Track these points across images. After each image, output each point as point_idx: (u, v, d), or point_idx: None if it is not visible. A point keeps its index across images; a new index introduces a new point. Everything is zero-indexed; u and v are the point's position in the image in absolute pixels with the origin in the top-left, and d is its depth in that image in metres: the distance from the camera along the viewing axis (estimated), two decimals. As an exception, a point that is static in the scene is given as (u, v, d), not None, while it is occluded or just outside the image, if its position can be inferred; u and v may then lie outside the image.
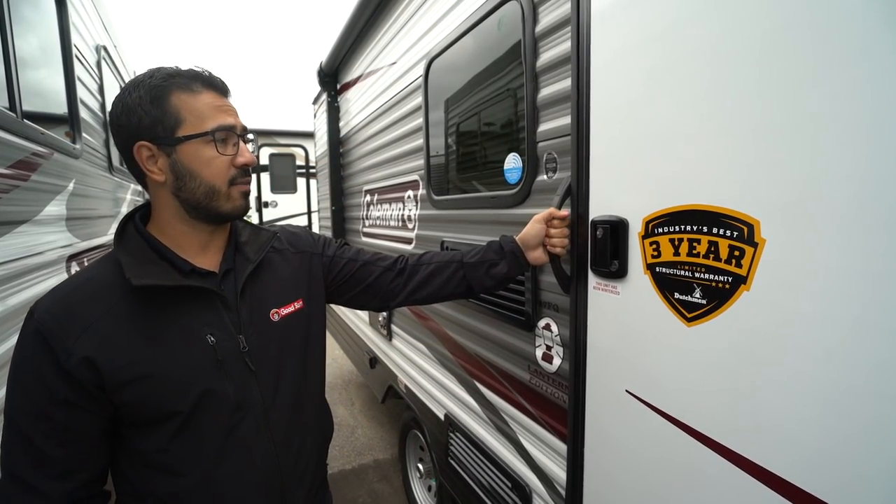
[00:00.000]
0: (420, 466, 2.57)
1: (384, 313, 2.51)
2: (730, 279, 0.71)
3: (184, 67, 0.77)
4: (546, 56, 1.15)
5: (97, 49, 2.35)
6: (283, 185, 7.64)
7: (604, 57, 0.93)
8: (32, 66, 1.40)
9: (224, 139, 0.77)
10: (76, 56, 1.87)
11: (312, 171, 7.26)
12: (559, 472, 1.20)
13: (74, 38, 1.81)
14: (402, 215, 2.21)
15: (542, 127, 1.18)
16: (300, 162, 7.69)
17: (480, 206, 1.50)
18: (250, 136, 0.83)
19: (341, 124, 3.36)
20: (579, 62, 0.98)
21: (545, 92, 1.16)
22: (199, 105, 0.76)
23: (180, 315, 0.76)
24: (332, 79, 3.36)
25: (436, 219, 1.85)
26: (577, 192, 1.01)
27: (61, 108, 1.72)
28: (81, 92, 1.93)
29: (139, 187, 3.73)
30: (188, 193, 0.77)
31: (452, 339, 1.76)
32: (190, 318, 0.77)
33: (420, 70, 1.87)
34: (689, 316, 0.78)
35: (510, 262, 1.06)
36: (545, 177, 1.19)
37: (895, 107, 0.52)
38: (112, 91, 2.67)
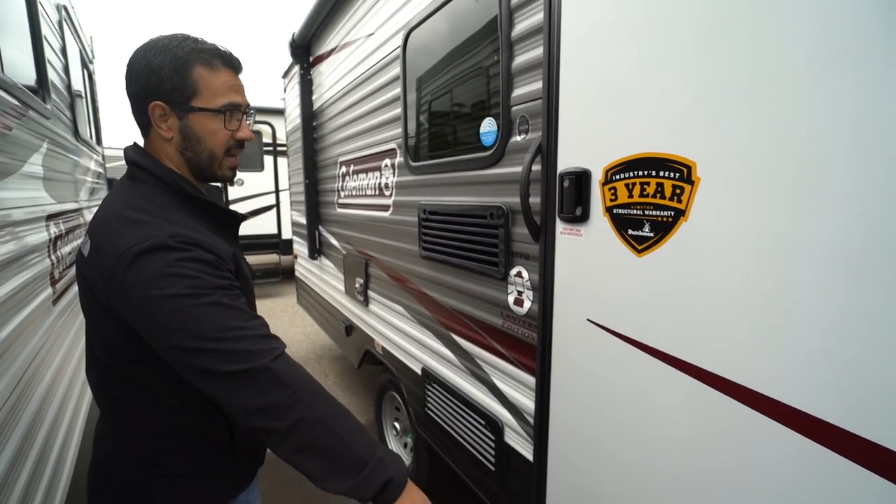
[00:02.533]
0: (396, 425, 2.71)
1: (361, 279, 2.59)
2: (672, 213, 0.85)
3: (206, 41, 0.87)
4: (520, 26, 1.26)
5: (58, 8, 2.27)
6: (249, 163, 7.46)
7: (573, 28, 1.05)
8: (2, 21, 1.39)
9: (231, 115, 0.88)
10: (41, 13, 1.82)
11: (280, 148, 7.14)
12: (528, 403, 1.35)
13: (39, -4, 1.77)
14: (379, 184, 2.29)
15: (516, 92, 1.30)
16: (266, 139, 7.54)
17: (457, 168, 1.60)
18: (252, 111, 0.93)
19: (314, 97, 3.36)
20: (551, 32, 1.09)
21: (519, 60, 1.28)
22: (216, 83, 0.86)
23: (225, 234, 0.94)
24: (305, 51, 3.34)
25: (413, 184, 1.94)
26: (547, 150, 1.13)
27: (30, 66, 1.69)
28: (48, 51, 1.88)
29: (100, 159, 3.60)
30: (193, 154, 0.89)
31: (429, 296, 1.87)
32: (229, 238, 0.95)
33: (398, 41, 1.94)
34: (639, 248, 0.92)
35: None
36: (518, 138, 1.31)
37: (799, 69, 0.67)
38: (72, 52, 2.58)
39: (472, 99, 1.56)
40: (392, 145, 2.13)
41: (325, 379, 4.15)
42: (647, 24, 0.88)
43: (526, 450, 1.40)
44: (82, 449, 1.77)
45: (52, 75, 1.91)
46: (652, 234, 0.89)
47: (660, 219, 0.87)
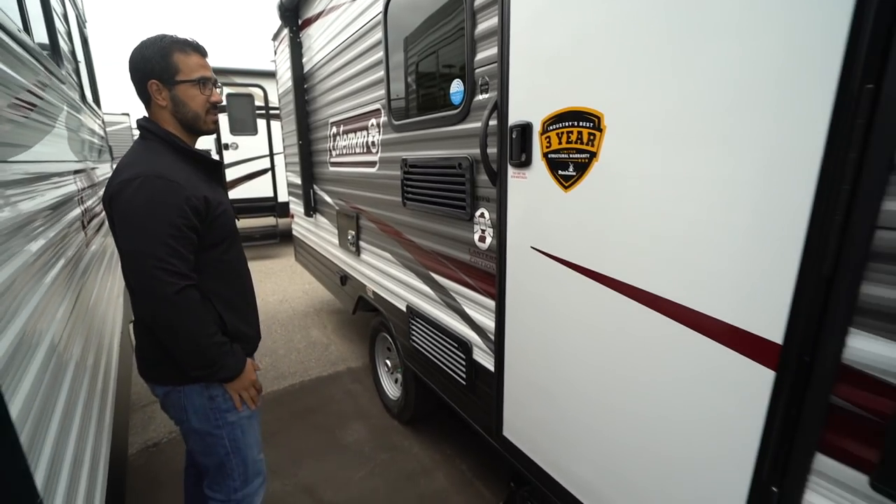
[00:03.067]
0: (388, 362, 3.02)
1: (353, 232, 2.84)
2: (588, 155, 1.08)
3: (180, 36, 1.24)
4: (481, -3, 1.45)
5: (60, -25, 2.39)
6: (243, 127, 7.54)
7: (520, 3, 1.24)
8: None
9: (204, 84, 1.25)
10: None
11: (273, 111, 7.20)
12: (490, 323, 1.63)
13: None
14: (367, 142, 2.49)
15: (479, 56, 1.50)
16: (259, 102, 7.58)
17: (433, 125, 1.82)
18: (219, 83, 1.31)
19: (304, 60, 3.49)
20: (503, 3, 1.28)
21: (481, 27, 1.47)
22: (191, 63, 1.23)
23: (213, 181, 1.33)
24: (294, 14, 3.44)
25: (396, 141, 2.15)
26: (501, 106, 1.35)
27: (43, 32, 1.86)
28: (55, 19, 2.04)
29: (101, 122, 3.76)
30: (182, 116, 1.26)
31: (412, 241, 2.13)
32: (215, 184, 1.34)
33: (379, 7, 2.09)
34: (566, 185, 1.16)
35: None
36: (481, 97, 1.52)
37: (681, 39, 0.88)
38: (71, 17, 2.71)
39: (445, 62, 1.76)
40: (377, 106, 2.32)
41: (324, 329, 4.47)
42: (571, 5, 1.08)
43: (489, 363, 1.68)
44: (121, 360, 2.05)
45: (60, 41, 2.07)
46: (574, 173, 1.13)
47: (579, 160, 1.11)
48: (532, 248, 1.32)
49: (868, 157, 0.64)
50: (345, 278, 3.23)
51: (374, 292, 2.71)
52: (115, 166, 1.17)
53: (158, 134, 1.23)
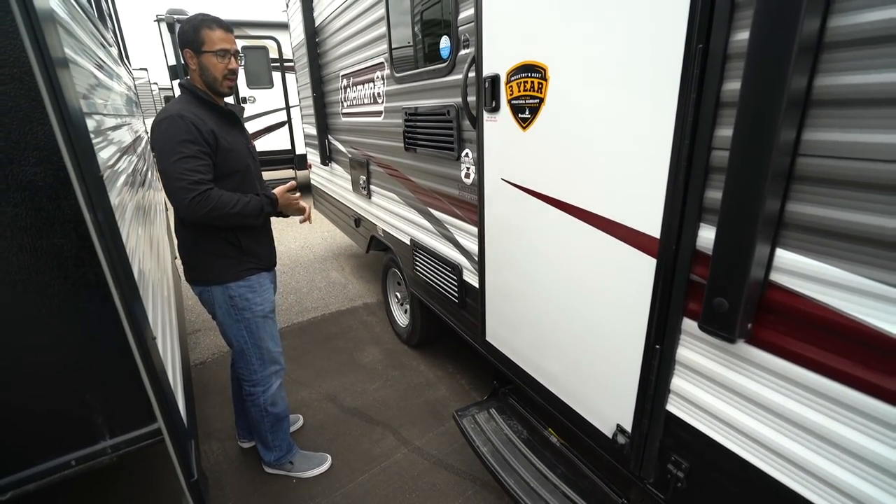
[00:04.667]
0: (398, 294, 3.41)
1: (364, 177, 3.15)
2: (538, 101, 1.35)
3: (211, 15, 1.58)
4: (461, -39, 1.66)
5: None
6: (259, 80, 7.71)
7: (489, -35, 1.46)
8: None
9: (223, 55, 1.59)
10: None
11: (287, 64, 7.33)
12: (475, 247, 1.95)
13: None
14: (374, 93, 2.74)
15: (461, 15, 1.73)
16: (273, 55, 7.70)
17: (427, 77, 2.06)
18: (241, 55, 1.65)
19: (315, 14, 3.67)
20: (476, -32, 1.50)
21: (462, -12, 1.69)
22: (214, 37, 1.57)
23: (232, 128, 1.70)
24: (303, -33, 3.58)
25: (398, 92, 2.40)
26: (478, 60, 1.60)
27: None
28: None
29: (132, 80, 4.06)
30: (206, 78, 1.62)
31: (413, 182, 2.43)
32: (234, 131, 1.71)
33: (380, -35, 2.29)
34: (523, 125, 1.43)
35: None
36: (464, 52, 1.76)
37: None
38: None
39: (436, 20, 1.98)
40: (381, 59, 2.55)
41: (343, 271, 4.89)
42: (527, -32, 1.31)
43: (475, 281, 2.02)
44: (177, 302, 2.48)
45: (103, 4, 2.35)
46: (529, 116, 1.40)
47: (532, 105, 1.37)
48: (502, 179, 1.61)
49: (703, 98, 0.91)
50: (358, 221, 3.58)
51: (384, 231, 3.05)
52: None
53: (189, 88, 1.63)
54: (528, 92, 1.37)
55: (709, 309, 0.94)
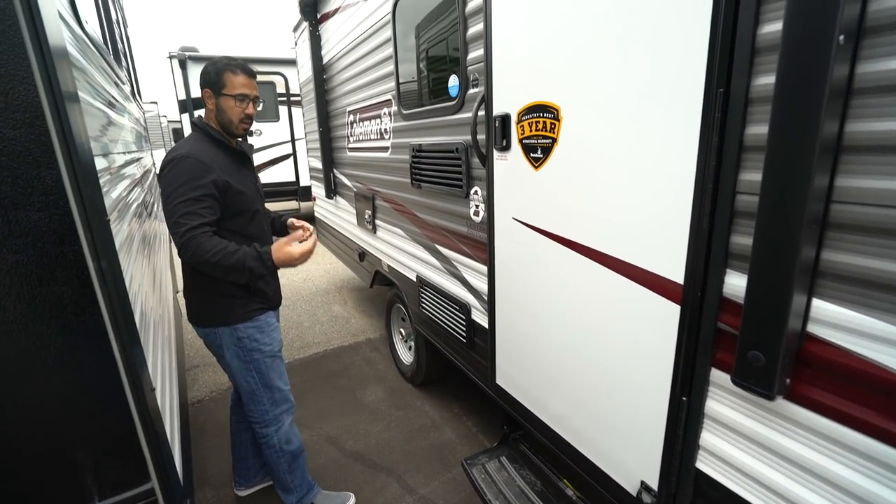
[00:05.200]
0: (402, 331, 3.34)
1: (369, 211, 3.14)
2: (550, 141, 1.34)
3: (237, 59, 1.59)
4: (470, 5, 1.69)
5: (111, -14, 2.71)
6: (265, 113, 7.89)
7: (499, 10, 1.48)
8: (101, 10, 1.86)
9: (242, 99, 1.59)
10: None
11: (294, 98, 7.51)
12: (484, 286, 1.90)
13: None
14: (380, 129, 2.76)
15: (470, 56, 1.75)
16: (280, 90, 7.91)
17: (435, 115, 2.08)
18: (260, 100, 1.64)
19: (324, 52, 3.76)
20: (487, 12, 1.53)
21: (471, 31, 1.71)
22: (235, 81, 1.58)
23: (242, 167, 1.68)
24: (313, 9, 3.69)
25: (405, 129, 2.42)
26: (487, 99, 1.60)
27: (107, 37, 2.18)
28: (115, 27, 2.35)
29: (143, 115, 4.14)
30: (221, 119, 1.61)
31: (420, 218, 2.41)
32: (244, 171, 1.69)
33: (388, 8, 2.34)
34: (536, 165, 1.42)
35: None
36: (473, 91, 1.77)
37: (617, 45, 1.12)
38: (120, 20, 3.03)
39: (444, 59, 2.00)
40: (388, 96, 2.58)
41: (345, 305, 4.83)
42: (539, 10, 1.32)
43: (484, 321, 1.96)
44: (177, 336, 2.42)
45: (119, 44, 2.40)
46: (541, 156, 1.38)
47: (544, 145, 1.36)
48: (513, 218, 1.58)
49: (726, 142, 0.89)
50: (363, 255, 3.55)
51: (388, 266, 3.01)
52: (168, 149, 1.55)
53: (201, 127, 1.63)
54: (540, 132, 1.36)
55: (743, 362, 0.89)
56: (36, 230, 0.87)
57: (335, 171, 3.96)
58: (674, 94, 0.98)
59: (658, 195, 1.05)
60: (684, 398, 1.09)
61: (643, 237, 1.11)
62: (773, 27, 0.83)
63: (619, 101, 1.10)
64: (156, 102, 15.01)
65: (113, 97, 1.58)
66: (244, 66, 1.60)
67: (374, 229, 3.15)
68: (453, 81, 1.89)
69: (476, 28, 1.67)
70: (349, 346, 3.92)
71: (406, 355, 3.33)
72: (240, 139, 1.70)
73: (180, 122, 7.98)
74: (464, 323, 2.12)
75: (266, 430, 1.81)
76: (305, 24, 3.84)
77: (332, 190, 4.05)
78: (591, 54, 1.16)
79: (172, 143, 15.45)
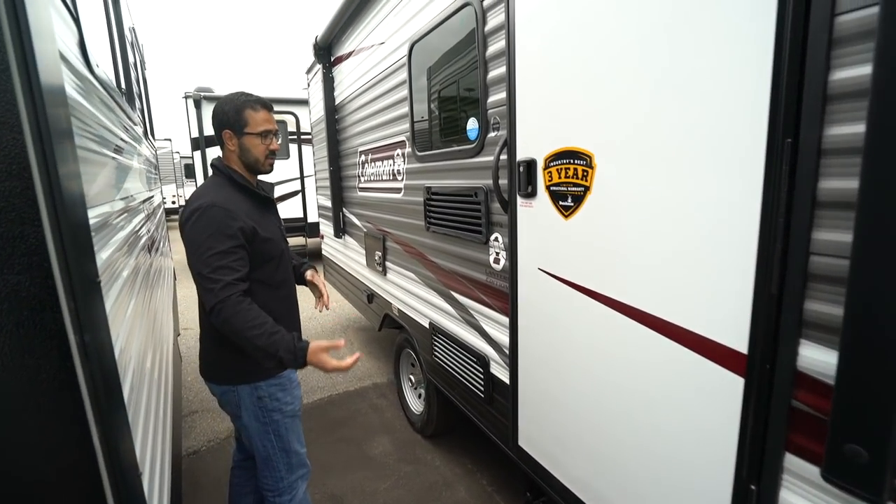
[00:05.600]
0: (412, 378, 3.17)
1: (379, 253, 3.04)
2: (583, 189, 1.24)
3: (253, 95, 1.51)
4: (492, 48, 1.64)
5: (131, 30, 2.74)
6: (277, 152, 7.98)
7: (523, 53, 1.43)
8: (117, 52, 1.84)
9: (265, 136, 1.51)
10: (127, 37, 2.29)
11: (304, 137, 7.61)
12: (505, 339, 1.77)
13: (124, 22, 2.22)
14: (393, 170, 2.71)
15: (491, 99, 1.69)
16: (291, 128, 8.04)
17: (452, 157, 2.01)
18: (278, 133, 1.55)
19: (336, 93, 3.78)
20: (510, 55, 1.47)
21: (492, 74, 1.66)
22: (258, 118, 1.49)
23: (267, 212, 1.57)
24: (327, 52, 3.74)
25: (420, 171, 2.35)
26: (510, 144, 1.52)
27: (121, 78, 2.16)
28: (131, 69, 2.35)
29: (155, 153, 4.14)
30: (246, 159, 1.53)
31: (434, 262, 2.30)
32: (269, 215, 1.58)
33: (404, 51, 2.33)
34: (566, 214, 1.32)
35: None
36: (493, 134, 1.70)
37: (658, 83, 1.04)
38: (138, 65, 3.07)
39: (462, 102, 1.95)
40: (402, 138, 2.54)
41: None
42: (569, 50, 1.26)
43: (505, 376, 1.82)
44: (174, 385, 2.28)
45: (133, 87, 2.39)
46: (572, 204, 1.28)
47: (576, 193, 1.26)
48: (539, 269, 1.46)
49: (795, 197, 0.78)
50: (371, 296, 3.43)
51: (399, 310, 2.88)
52: (189, 195, 1.46)
53: (224, 171, 1.52)
54: (571, 179, 1.27)
55: (837, 456, 0.74)
56: (14, 295, 0.76)
57: (345, 210, 3.91)
58: (731, 142, 0.88)
59: (715, 253, 0.94)
60: (753, 486, 0.94)
61: (697, 298, 0.99)
62: (848, 73, 0.74)
63: (665, 148, 1.01)
64: (169, 139, 15.44)
65: (123, 140, 1.52)
66: (263, 101, 1.52)
67: (384, 271, 3.04)
68: (472, 124, 1.83)
69: (498, 71, 1.62)
70: (355, 391, 3.74)
71: (416, 404, 3.14)
72: (259, 179, 1.62)
73: (192, 158, 8.10)
74: (482, 376, 1.97)
75: (280, 499, 1.64)
76: (319, 66, 3.89)
77: (342, 229, 3.98)
78: (630, 98, 1.08)
79: (184, 178, 15.73)
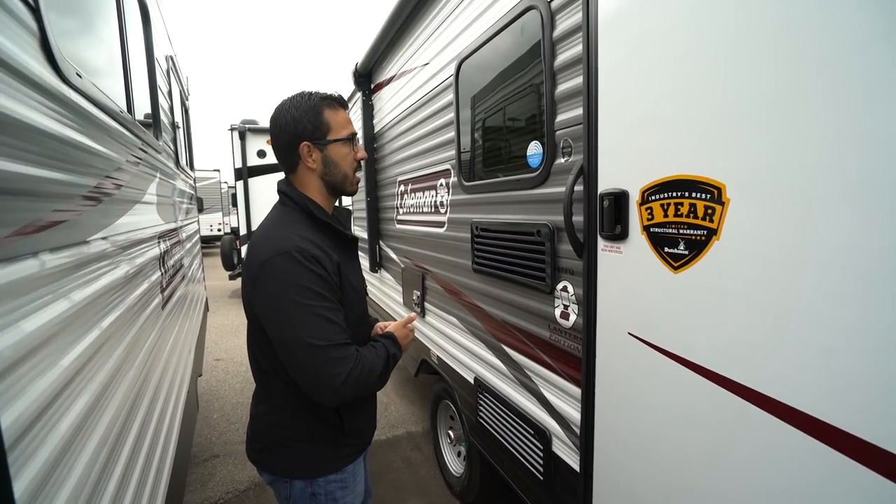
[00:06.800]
0: (450, 433, 2.80)
1: (418, 292, 2.74)
2: (705, 232, 0.90)
3: (322, 91, 1.16)
4: (562, 57, 1.35)
5: (167, 58, 2.66)
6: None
7: (609, 58, 1.12)
8: (134, 76, 1.68)
9: (353, 141, 1.17)
10: (156, 66, 2.17)
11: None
12: (574, 414, 1.40)
13: (155, 51, 2.11)
14: (435, 202, 2.43)
15: (560, 118, 1.38)
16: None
17: (507, 188, 1.70)
18: (360, 139, 1.19)
19: (375, 121, 3.61)
20: (589, 62, 1.17)
21: (562, 87, 1.36)
22: (340, 119, 1.15)
23: (350, 253, 1.22)
24: (367, 79, 3.61)
25: (466, 202, 2.06)
26: (588, 171, 1.20)
27: (147, 109, 2.02)
28: (159, 97, 2.23)
29: (192, 182, 4.09)
30: (331, 177, 1.17)
31: (481, 309, 1.97)
32: (352, 257, 1.24)
33: (451, 70, 2.08)
34: (675, 265, 0.97)
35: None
36: (562, 160, 1.39)
37: (830, 96, 0.71)
38: (175, 92, 3.00)
39: (520, 123, 1.66)
40: (447, 166, 2.27)
41: (384, 388, 4.34)
42: (678, 51, 0.94)
43: (573, 460, 1.44)
44: (185, 416, 2.03)
45: (161, 115, 2.25)
46: (686, 252, 0.94)
47: (694, 237, 0.92)
48: (630, 334, 1.11)
49: None
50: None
51: (438, 357, 2.55)
52: (253, 236, 1.15)
53: (299, 202, 1.15)
54: (686, 219, 0.93)
55: None
56: None
57: (381, 242, 3.67)
58: None
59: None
60: None
61: (862, 393, 0.61)
62: None
63: (842, 177, 0.66)
64: (218, 170, 16.07)
65: (122, 169, 1.30)
66: (339, 98, 1.17)
67: (422, 312, 2.73)
68: (535, 148, 1.53)
69: (570, 83, 1.32)
70: (387, 440, 3.40)
71: (455, 463, 2.76)
72: (336, 206, 1.31)
73: (235, 187, 8.26)
74: (540, 455, 1.60)
75: None
76: (359, 94, 3.75)
77: (377, 263, 3.73)
78: (785, 104, 0.74)
79: (231, 207, 16.30)
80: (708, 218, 0.89)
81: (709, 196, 0.88)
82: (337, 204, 1.32)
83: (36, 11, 0.70)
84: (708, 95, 0.87)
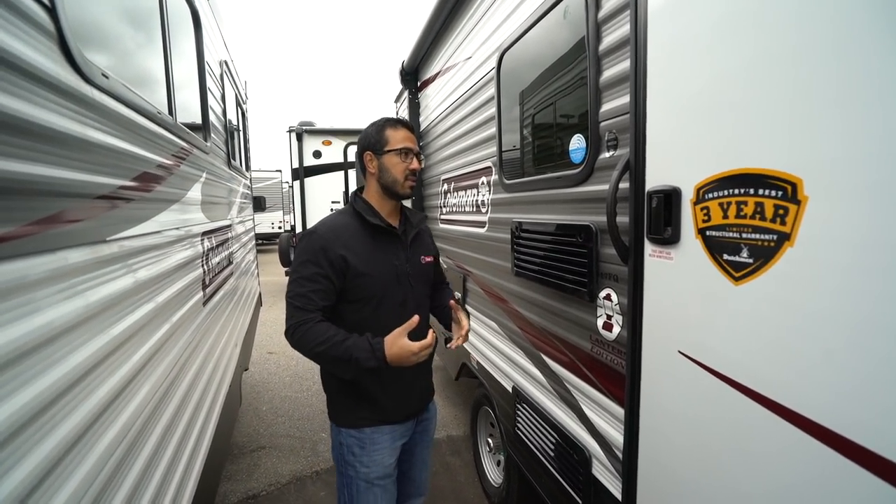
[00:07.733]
0: (490, 441, 2.70)
1: (459, 294, 2.67)
2: (775, 237, 0.75)
3: (394, 117, 1.47)
4: (608, 39, 1.21)
5: (221, 63, 2.77)
6: (361, 179, 8.13)
7: (661, 37, 0.98)
8: (179, 80, 1.74)
9: (405, 154, 1.41)
10: (207, 71, 2.25)
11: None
12: (616, 436, 1.26)
13: (206, 56, 2.18)
14: (476, 201, 2.34)
15: (605, 107, 1.25)
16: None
17: (548, 186, 1.58)
18: (422, 155, 1.39)
19: (421, 119, 3.58)
20: (637, 43, 1.04)
21: (607, 74, 1.23)
22: (397, 136, 1.42)
23: (384, 246, 1.42)
24: (413, 77, 3.58)
25: (507, 202, 1.95)
26: (635, 166, 1.07)
27: (197, 112, 2.09)
28: (210, 100, 2.31)
29: (247, 181, 4.28)
30: (384, 181, 1.42)
31: (521, 314, 1.86)
32: (386, 249, 1.42)
33: (493, 62, 1.98)
34: (736, 275, 0.82)
35: None
36: (607, 154, 1.25)
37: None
38: (229, 96, 3.12)
39: (562, 115, 1.53)
40: (488, 163, 2.17)
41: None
42: (740, 26, 0.79)
43: (614, 487, 1.30)
44: (226, 407, 2.09)
45: (212, 118, 2.33)
46: (751, 260, 0.79)
47: (760, 243, 0.77)
48: (680, 352, 0.97)
49: None
50: (448, 340, 3.05)
51: (478, 363, 2.46)
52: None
53: (352, 202, 1.48)
54: (751, 220, 0.78)
55: None
56: None
57: (425, 242, 3.63)
58: None
59: None
60: None
61: None
62: None
63: None
64: (280, 170, 16.88)
65: (161, 167, 1.33)
66: (404, 122, 1.48)
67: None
68: (577, 142, 1.40)
69: (616, 69, 1.19)
70: (427, 443, 3.34)
71: (494, 473, 2.66)
72: (405, 207, 1.56)
73: (292, 186, 8.60)
74: (580, 476, 1.47)
75: None
76: (406, 92, 3.73)
77: (421, 262, 3.70)
78: (874, 86, 0.59)
79: (291, 205, 17.09)
80: (779, 220, 0.74)
81: (780, 193, 0.73)
82: (408, 205, 1.50)
83: (49, 9, 0.70)
84: (782, 71, 0.72)
